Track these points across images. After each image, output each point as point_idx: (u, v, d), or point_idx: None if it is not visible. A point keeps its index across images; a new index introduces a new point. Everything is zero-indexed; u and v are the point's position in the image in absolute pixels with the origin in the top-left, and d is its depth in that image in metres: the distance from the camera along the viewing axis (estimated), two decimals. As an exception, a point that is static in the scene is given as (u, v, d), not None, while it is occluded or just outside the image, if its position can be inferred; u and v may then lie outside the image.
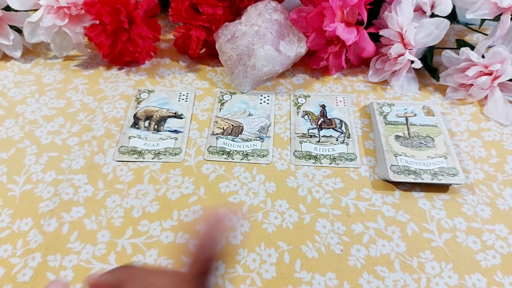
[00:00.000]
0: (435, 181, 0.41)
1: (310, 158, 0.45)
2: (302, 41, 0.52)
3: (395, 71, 0.52)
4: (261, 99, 0.51)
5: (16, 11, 0.52)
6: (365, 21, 0.49)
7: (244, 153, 0.45)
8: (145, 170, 0.44)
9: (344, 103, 0.51)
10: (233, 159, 0.44)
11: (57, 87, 0.53)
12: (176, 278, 0.25)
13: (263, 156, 0.45)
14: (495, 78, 0.47)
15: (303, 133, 0.47)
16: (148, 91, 0.52)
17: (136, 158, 0.45)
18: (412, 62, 0.49)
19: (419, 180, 0.41)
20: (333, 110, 0.50)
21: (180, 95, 0.52)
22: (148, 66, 0.56)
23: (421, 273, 0.36)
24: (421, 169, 0.42)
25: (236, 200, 0.41)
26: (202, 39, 0.52)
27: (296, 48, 0.51)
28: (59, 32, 0.52)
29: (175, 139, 0.46)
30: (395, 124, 0.47)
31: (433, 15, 0.49)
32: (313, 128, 0.48)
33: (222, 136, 0.47)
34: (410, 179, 0.41)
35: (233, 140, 0.46)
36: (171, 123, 0.48)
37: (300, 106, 0.50)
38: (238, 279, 0.35)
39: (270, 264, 0.36)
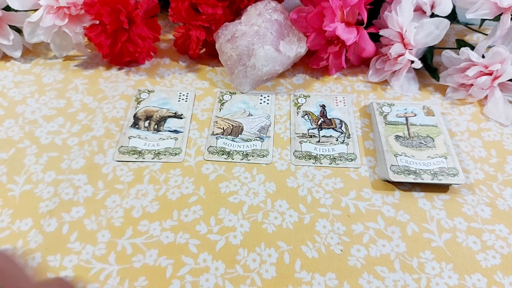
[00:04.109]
0: (435, 181, 0.41)
1: (310, 158, 0.45)
2: (302, 41, 0.52)
3: (395, 71, 0.52)
4: (261, 99, 0.51)
5: (16, 11, 0.52)
6: (365, 21, 0.49)
7: (244, 153, 0.45)
8: (145, 170, 0.44)
9: (344, 103, 0.51)
10: (233, 159, 0.44)
11: (57, 87, 0.53)
12: None
13: (263, 156, 0.45)
14: (495, 78, 0.47)
15: (303, 133, 0.47)
16: (148, 91, 0.52)
17: (136, 158, 0.44)
18: (412, 62, 0.49)
19: (419, 180, 0.41)
20: (333, 110, 0.50)
21: (180, 95, 0.52)
22: (148, 66, 0.56)
23: (421, 273, 0.36)
24: (421, 169, 0.42)
25: (236, 200, 0.41)
26: (202, 39, 0.52)
27: (296, 48, 0.51)
28: (59, 32, 0.52)
29: (175, 139, 0.46)
30: (395, 124, 0.47)
31: (433, 15, 0.49)
32: (313, 128, 0.48)
33: (222, 136, 0.47)
34: (410, 179, 0.41)
35: (233, 140, 0.46)
36: (171, 123, 0.48)
37: (300, 106, 0.50)
38: (238, 279, 0.35)
39: (270, 264, 0.36)
